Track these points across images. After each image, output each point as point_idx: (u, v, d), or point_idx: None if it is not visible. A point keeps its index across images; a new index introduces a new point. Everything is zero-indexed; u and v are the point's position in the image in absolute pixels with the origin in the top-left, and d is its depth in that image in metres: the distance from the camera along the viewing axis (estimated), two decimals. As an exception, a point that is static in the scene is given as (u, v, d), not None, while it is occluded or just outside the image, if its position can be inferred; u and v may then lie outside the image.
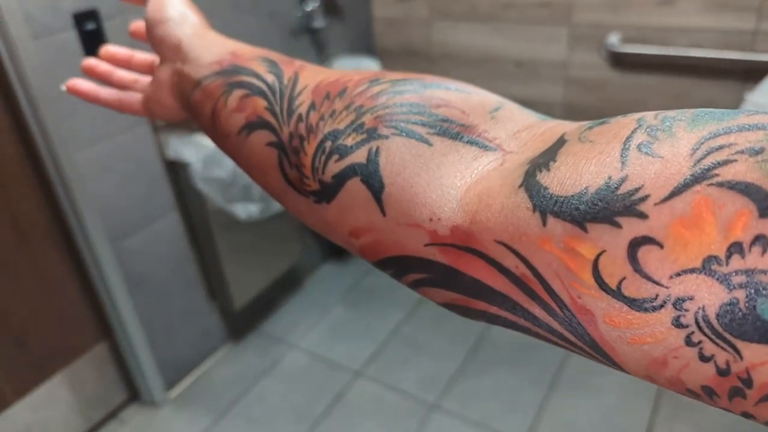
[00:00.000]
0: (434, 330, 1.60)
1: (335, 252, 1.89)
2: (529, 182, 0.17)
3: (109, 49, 0.44)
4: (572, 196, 0.16)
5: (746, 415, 0.14)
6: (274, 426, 1.39)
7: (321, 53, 1.63)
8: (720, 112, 0.15)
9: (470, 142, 0.21)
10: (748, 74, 1.37)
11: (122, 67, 0.44)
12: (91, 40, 1.18)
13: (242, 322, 1.64)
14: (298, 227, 1.64)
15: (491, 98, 0.23)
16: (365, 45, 1.80)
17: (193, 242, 1.45)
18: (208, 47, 0.34)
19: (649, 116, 0.16)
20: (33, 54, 1.09)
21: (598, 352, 0.16)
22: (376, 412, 1.40)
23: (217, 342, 1.59)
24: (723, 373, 0.14)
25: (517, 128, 0.21)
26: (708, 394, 0.14)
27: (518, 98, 1.69)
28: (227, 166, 1.29)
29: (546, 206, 0.16)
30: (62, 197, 1.22)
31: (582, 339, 0.16)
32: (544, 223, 0.16)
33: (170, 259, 1.42)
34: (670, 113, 0.16)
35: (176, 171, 1.37)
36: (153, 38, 0.38)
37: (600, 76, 1.55)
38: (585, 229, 0.15)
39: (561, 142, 0.18)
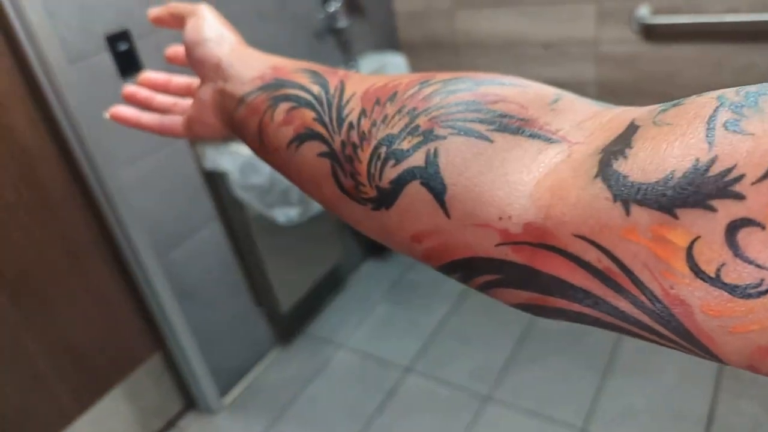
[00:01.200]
0: (481, 321, 1.59)
1: (376, 249, 1.90)
2: (606, 171, 0.17)
3: (147, 75, 0.45)
4: (657, 182, 0.15)
5: None
6: (328, 426, 1.40)
7: (346, 52, 1.64)
8: None
9: (533, 136, 0.20)
10: (790, 34, 1.32)
11: (161, 91, 0.45)
12: (125, 60, 1.21)
13: (289, 325, 1.66)
14: (338, 227, 1.65)
15: (548, 90, 0.22)
16: (389, 40, 1.80)
17: (236, 249, 1.47)
18: (248, 63, 0.34)
19: (729, 93, 0.16)
20: (70, 78, 1.12)
21: (693, 344, 0.16)
22: (430, 406, 1.40)
23: (266, 346, 1.61)
24: None
25: (581, 118, 0.20)
26: None
27: (549, 80, 1.66)
28: (264, 172, 1.30)
29: (628, 195, 0.16)
30: (109, 215, 1.25)
31: (676, 331, 0.16)
32: (628, 213, 0.16)
33: (215, 267, 1.44)
34: (751, 88, 0.15)
35: (215, 181, 1.39)
36: (193, 59, 0.38)
37: (632, 51, 1.51)
38: (675, 216, 0.14)
39: (633, 127, 0.17)
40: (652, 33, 1.47)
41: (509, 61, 1.69)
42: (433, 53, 1.79)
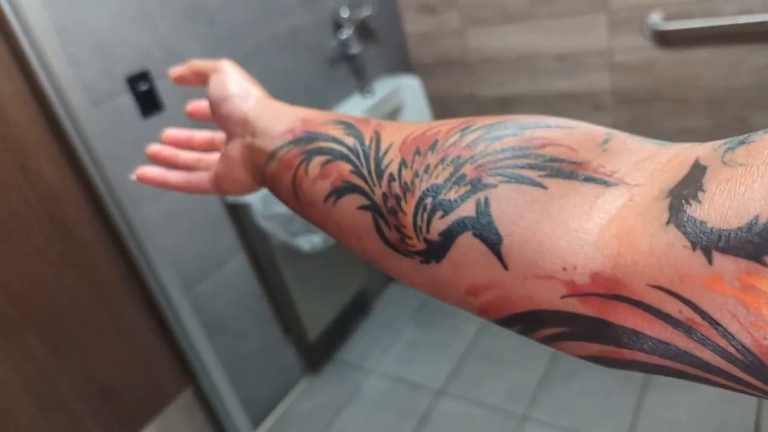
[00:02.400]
0: (511, 339, 1.56)
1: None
2: (680, 217, 0.16)
3: (169, 132, 0.45)
4: (740, 228, 0.14)
5: None
6: (363, 454, 1.38)
7: (360, 77, 1.65)
8: None
9: (588, 180, 0.19)
10: (807, 32, 1.31)
11: (184, 147, 0.45)
12: (146, 100, 1.22)
13: (318, 352, 1.64)
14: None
15: (597, 130, 0.21)
16: (402, 63, 1.81)
17: (262, 280, 1.47)
18: (276, 117, 0.33)
19: None
20: (93, 120, 1.14)
21: None
22: (466, 429, 1.37)
23: (296, 375, 1.60)
24: None
25: (636, 158, 0.19)
26: None
27: (565, 92, 1.66)
28: (287, 201, 1.30)
29: (709, 242, 0.15)
30: (135, 252, 1.26)
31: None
32: (710, 261, 0.15)
33: (242, 299, 1.44)
34: None
35: (237, 213, 1.39)
36: (218, 116, 0.38)
37: (646, 58, 1.50)
38: (764, 263, 0.14)
39: (700, 168, 0.16)
40: (665, 39, 1.46)
41: (523, 75, 1.69)
42: (447, 72, 1.80)
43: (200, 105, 0.43)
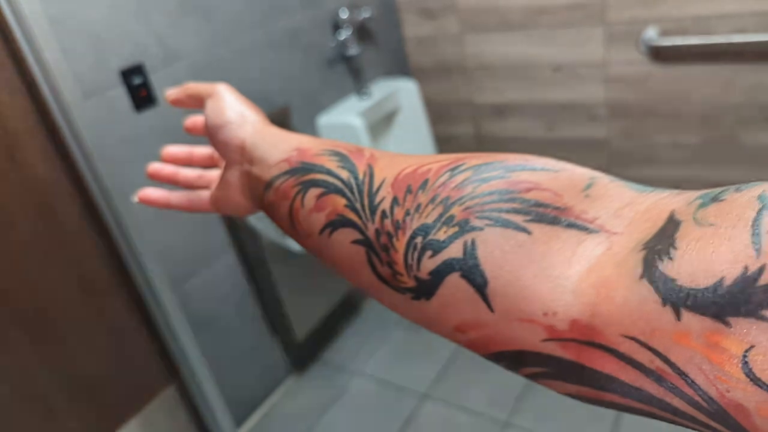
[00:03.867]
0: (496, 345, 1.57)
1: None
2: (652, 273, 0.17)
3: (169, 150, 0.45)
4: (706, 288, 0.15)
5: None
6: (346, 456, 1.38)
7: (358, 79, 1.64)
8: None
9: (570, 226, 0.20)
10: (799, 54, 1.33)
11: (184, 164, 0.45)
12: (139, 94, 1.21)
13: (305, 353, 1.64)
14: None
15: (581, 174, 0.22)
16: (400, 66, 1.81)
17: (251, 278, 1.46)
18: (273, 144, 0.34)
19: None
20: (85, 112, 1.12)
21: None
22: (448, 434, 1.38)
23: (281, 375, 1.60)
24: None
25: (617, 205, 0.20)
26: None
27: (560, 102, 1.67)
28: (280, 201, 1.30)
29: (677, 300, 0.16)
30: (123, 247, 1.25)
31: (734, 429, 0.16)
32: (679, 318, 0.16)
33: (230, 297, 1.43)
34: None
35: (229, 210, 1.38)
36: (216, 143, 0.38)
37: (641, 72, 1.52)
38: (728, 324, 0.15)
39: (674, 223, 0.17)
40: (660, 54, 1.48)
41: (520, 83, 1.70)
42: (444, 77, 1.80)
43: (198, 120, 0.43)
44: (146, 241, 1.25)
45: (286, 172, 0.31)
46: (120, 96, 1.18)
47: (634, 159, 1.64)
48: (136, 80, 1.20)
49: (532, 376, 0.21)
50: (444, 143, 1.88)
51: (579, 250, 0.19)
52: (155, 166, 0.44)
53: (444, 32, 1.73)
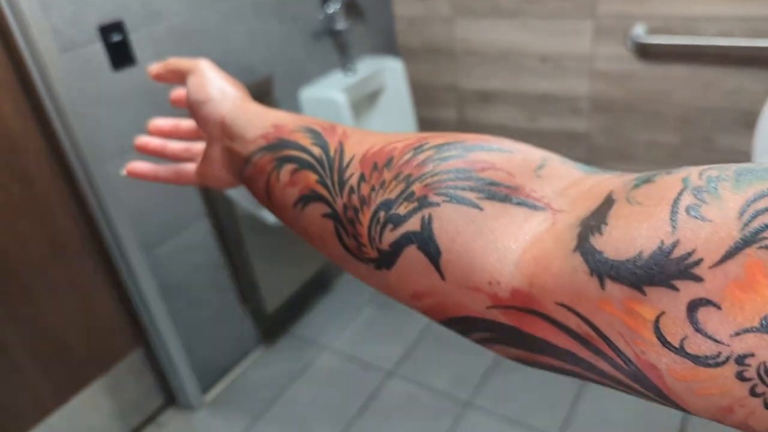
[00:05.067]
0: (463, 327, 1.60)
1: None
2: (584, 246, 0.18)
3: (156, 123, 0.45)
4: (627, 260, 0.17)
5: None
6: (308, 427, 1.41)
7: (344, 54, 1.63)
8: (763, 170, 0.16)
9: (520, 204, 0.21)
10: (779, 62, 1.35)
11: (170, 136, 0.45)
12: (118, 52, 1.18)
13: (274, 325, 1.65)
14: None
15: (534, 155, 0.24)
16: (387, 44, 1.79)
17: (224, 248, 1.46)
18: (251, 121, 0.35)
19: (693, 175, 0.17)
20: (61, 67, 1.10)
21: (666, 400, 0.17)
22: (410, 410, 1.41)
23: (250, 345, 1.61)
24: None
25: (564, 185, 0.22)
26: None
27: (544, 93, 1.67)
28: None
29: (602, 270, 0.17)
30: (95, 208, 1.23)
31: (650, 389, 0.17)
32: (603, 287, 0.17)
33: (202, 265, 1.43)
34: (713, 172, 0.17)
35: (205, 178, 1.37)
36: (197, 118, 0.39)
37: (626, 68, 1.53)
38: (643, 292, 0.16)
39: (609, 202, 0.19)
40: (646, 52, 1.49)
41: (506, 71, 1.70)
42: (431, 59, 1.79)
43: (182, 94, 0.44)
44: (119, 204, 1.23)
45: (263, 148, 0.33)
46: (97, 53, 1.15)
47: (612, 155, 1.66)
48: (115, 37, 1.17)
49: (480, 341, 0.23)
50: (427, 126, 1.88)
51: (525, 226, 0.21)
52: (143, 140, 0.45)
53: (435, 14, 1.71)
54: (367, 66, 1.65)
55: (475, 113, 1.81)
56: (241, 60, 1.40)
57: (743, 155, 1.47)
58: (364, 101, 1.71)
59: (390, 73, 1.67)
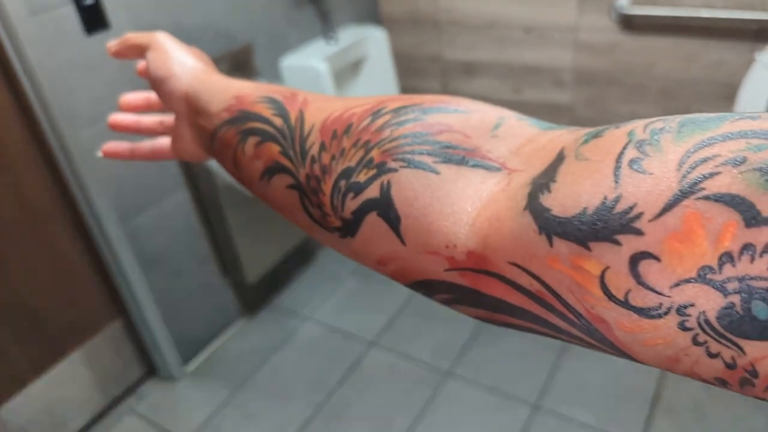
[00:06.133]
0: (445, 299, 1.61)
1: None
2: (533, 204, 0.18)
3: (126, 98, 0.45)
4: (573, 216, 0.17)
5: (757, 398, 0.16)
6: (289, 397, 1.42)
7: (326, 22, 1.60)
8: (705, 119, 0.16)
9: (476, 166, 0.22)
10: (759, 34, 1.35)
11: (143, 111, 0.45)
12: (90, 15, 1.15)
13: (256, 296, 1.65)
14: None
15: (491, 114, 0.24)
16: (371, 13, 1.76)
17: (204, 218, 1.45)
18: (214, 95, 0.35)
19: (638, 129, 0.17)
20: (31, 30, 1.06)
21: (617, 351, 0.18)
22: (391, 380, 1.43)
23: (231, 316, 1.61)
24: (730, 366, 0.15)
25: (519, 143, 0.22)
26: (721, 383, 0.16)
27: (528, 65, 1.66)
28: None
29: (550, 228, 0.17)
30: (69, 176, 1.21)
31: (602, 342, 0.18)
32: (551, 244, 0.17)
33: (182, 235, 1.42)
34: (658, 124, 0.17)
35: (184, 147, 1.35)
36: (161, 95, 0.39)
37: (610, 40, 1.52)
38: (588, 248, 0.16)
39: (560, 158, 0.19)
40: (629, 23, 1.48)
41: (490, 42, 1.68)
42: (415, 29, 1.77)
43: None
44: (95, 172, 1.21)
45: (227, 122, 0.33)
46: (69, 16, 1.11)
47: (594, 126, 1.66)
48: (87, 0, 1.14)
49: (443, 302, 0.23)
50: (411, 98, 1.86)
51: (482, 188, 0.21)
52: (116, 117, 0.44)
53: (418, -19, 1.68)
54: (350, 35, 1.62)
55: (459, 84, 1.80)
56: (220, 27, 1.36)
57: (723, 128, 1.48)
58: (347, 71, 1.68)
59: (373, 43, 1.64)
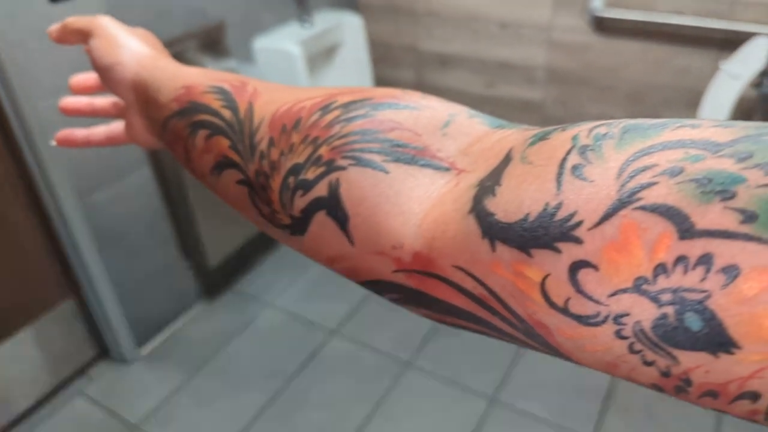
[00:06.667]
0: (409, 291, 1.61)
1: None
2: (478, 208, 0.18)
3: (77, 79, 0.43)
4: (515, 222, 0.17)
5: (692, 403, 0.16)
6: (247, 383, 1.39)
7: (301, 5, 1.57)
8: (647, 126, 0.16)
9: (425, 165, 0.21)
10: (725, 44, 1.39)
11: (96, 91, 0.43)
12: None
13: (217, 280, 1.62)
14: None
15: (441, 111, 0.23)
16: (347, -1, 1.75)
17: (167, 198, 1.41)
18: (162, 84, 0.34)
19: (583, 133, 0.17)
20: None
21: (560, 355, 0.18)
22: (350, 369, 1.42)
23: (191, 300, 1.57)
24: (665, 374, 0.15)
25: (468, 142, 0.22)
26: (657, 389, 0.16)
27: (502, 61, 1.67)
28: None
29: (493, 233, 0.17)
30: (24, 146, 1.16)
31: (544, 346, 0.18)
32: (494, 249, 0.17)
33: (142, 215, 1.38)
34: (601, 129, 0.17)
35: (147, 123, 1.31)
36: (108, 84, 0.38)
37: (582, 41, 1.54)
38: (530, 255, 0.16)
39: (507, 160, 0.19)
40: (602, 25, 1.50)
41: (465, 36, 1.69)
42: (391, 18, 1.76)
43: (83, 79, 0.42)
44: (52, 145, 1.16)
45: (176, 113, 0.32)
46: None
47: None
48: (51, -36, 1.09)
49: (393, 301, 0.23)
50: (384, 86, 1.85)
51: (431, 188, 0.21)
52: (68, 101, 0.42)
53: (397, -30, 1.67)
54: (325, 19, 1.60)
55: (434, 76, 1.80)
56: (190, 2, 1.33)
57: (687, 134, 1.51)
58: (321, 56, 1.66)
59: (348, 29, 1.63)
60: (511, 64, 1.66)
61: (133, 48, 0.37)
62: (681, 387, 0.15)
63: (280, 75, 1.44)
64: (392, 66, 1.84)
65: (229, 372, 1.42)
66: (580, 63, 1.57)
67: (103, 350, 1.45)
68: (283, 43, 1.46)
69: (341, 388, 1.38)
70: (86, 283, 1.32)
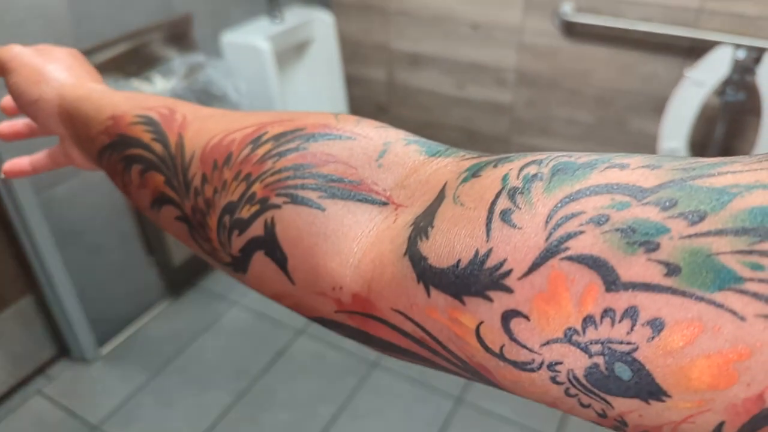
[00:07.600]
0: (378, 290, 1.61)
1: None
2: (412, 251, 0.18)
3: (5, 125, 0.41)
4: (447, 268, 0.17)
5: None
6: (211, 383, 1.38)
7: (272, 1, 1.55)
8: (576, 167, 0.16)
9: (362, 200, 0.21)
10: (691, 51, 1.42)
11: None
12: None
13: (181, 278, 1.59)
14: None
15: (376, 141, 0.22)
16: (319, -5, 1.73)
17: (129, 194, 1.38)
18: (89, 116, 0.33)
19: (513, 173, 0.17)
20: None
21: (506, 391, 0.18)
22: (317, 369, 1.41)
23: (154, 298, 1.54)
24: (601, 416, 0.15)
25: (404, 173, 0.21)
26: (598, 425, 0.16)
27: (473, 62, 1.68)
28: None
29: (427, 278, 0.17)
30: (-21, 139, 1.12)
31: (491, 384, 0.18)
32: (429, 294, 0.17)
33: (103, 210, 1.35)
34: (531, 168, 0.17)
35: (110, 117, 1.28)
36: (37, 121, 0.36)
37: (552, 44, 1.55)
38: (463, 302, 0.16)
39: (440, 198, 0.19)
40: (571, 30, 1.52)
41: (437, 36, 1.69)
42: (364, 16, 1.75)
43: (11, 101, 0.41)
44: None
45: (107, 147, 0.31)
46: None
47: (532, 128, 1.70)
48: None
49: (342, 335, 0.23)
50: (354, 84, 1.84)
51: (369, 225, 0.20)
52: (6, 125, 0.41)
53: (370, -32, 1.66)
54: (296, 15, 1.58)
55: (405, 75, 1.79)
56: (156, -7, 1.30)
57: (652, 139, 1.54)
58: (291, 52, 1.64)
59: (319, 26, 1.61)
60: (482, 65, 1.67)
61: (54, 79, 0.35)
62: (618, 426, 0.15)
63: (249, 70, 1.42)
64: (363, 64, 1.83)
65: (193, 371, 1.40)
66: (549, 66, 1.59)
67: (63, 349, 1.41)
68: (251, 38, 1.44)
69: (307, 387, 1.37)
70: (44, 279, 1.28)
